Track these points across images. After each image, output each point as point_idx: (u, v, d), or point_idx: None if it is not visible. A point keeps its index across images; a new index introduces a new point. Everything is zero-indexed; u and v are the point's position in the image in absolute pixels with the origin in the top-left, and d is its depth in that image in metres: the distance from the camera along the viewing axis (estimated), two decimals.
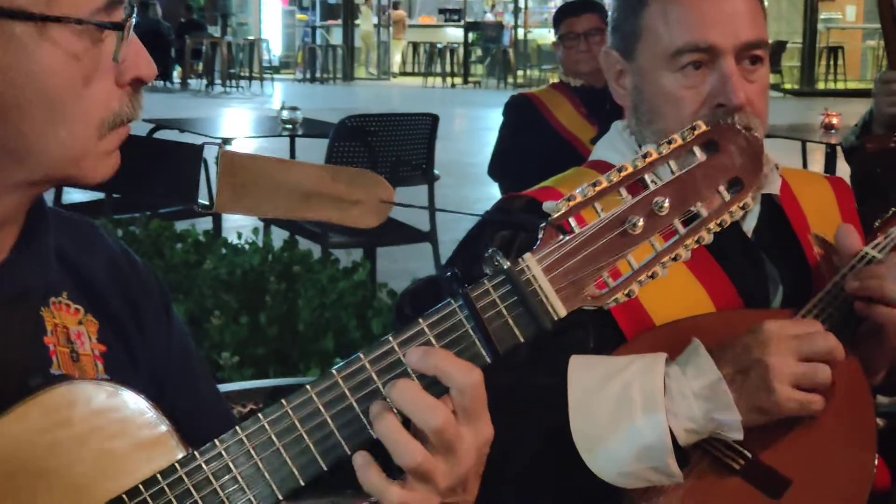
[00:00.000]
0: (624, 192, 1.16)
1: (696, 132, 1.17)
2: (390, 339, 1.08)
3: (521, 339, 1.10)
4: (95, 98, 1.10)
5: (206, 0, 25.51)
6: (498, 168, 4.65)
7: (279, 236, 5.03)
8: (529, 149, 4.29)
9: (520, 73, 23.55)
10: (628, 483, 1.50)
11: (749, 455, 1.54)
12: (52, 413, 1.06)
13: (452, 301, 1.09)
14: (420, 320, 1.08)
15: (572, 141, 4.27)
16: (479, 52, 25.18)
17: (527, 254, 1.11)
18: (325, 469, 1.08)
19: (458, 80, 23.73)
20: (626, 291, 1.16)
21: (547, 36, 23.73)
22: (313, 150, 6.17)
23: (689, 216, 1.18)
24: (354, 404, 1.07)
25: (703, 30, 1.63)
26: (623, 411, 1.48)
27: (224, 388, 1.80)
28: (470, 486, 1.10)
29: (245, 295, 3.96)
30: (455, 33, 25.59)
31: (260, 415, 1.06)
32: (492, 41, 24.48)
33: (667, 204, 1.16)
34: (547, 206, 1.15)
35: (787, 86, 20.80)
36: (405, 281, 1.62)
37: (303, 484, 1.07)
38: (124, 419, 1.08)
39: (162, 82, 19.98)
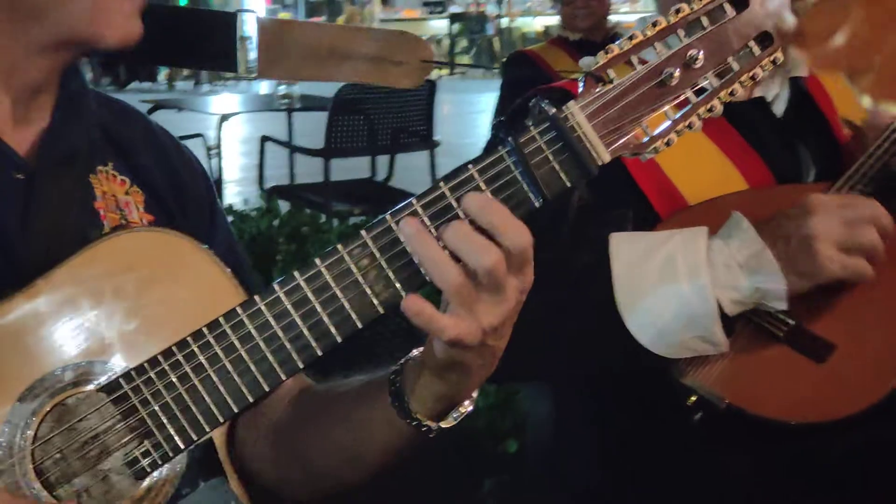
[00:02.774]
0: (659, 46, 1.18)
1: None
2: (441, 184, 1.10)
3: (568, 184, 1.12)
4: None
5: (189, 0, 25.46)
6: None
7: (282, 207, 5.06)
8: None
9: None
10: (674, 353, 1.52)
11: (792, 322, 1.55)
12: (114, 259, 1.08)
13: (500, 147, 1.11)
14: (469, 166, 1.10)
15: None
16: (464, 42, 25.19)
17: (570, 101, 1.14)
18: (381, 312, 1.10)
19: (444, 72, 23.73)
20: (665, 140, 1.19)
21: (532, 24, 23.78)
22: (312, 124, 6.19)
23: (723, 70, 1.21)
24: (408, 248, 1.09)
25: None
26: (668, 281, 1.49)
27: None
28: (506, 330, 1.12)
29: (255, 258, 3.98)
30: (439, 25, 25.60)
31: (317, 259, 1.08)
32: (476, 31, 24.51)
33: (701, 56, 1.18)
34: (584, 60, 1.18)
35: None
36: None
37: (360, 327, 1.09)
38: (185, 265, 1.10)
39: (149, 83, 19.87)
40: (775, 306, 1.51)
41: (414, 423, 1.14)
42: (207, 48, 1.27)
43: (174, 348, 1.07)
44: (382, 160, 6.11)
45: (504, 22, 24.45)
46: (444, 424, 1.16)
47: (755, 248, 1.49)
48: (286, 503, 1.28)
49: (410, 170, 5.94)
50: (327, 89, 6.49)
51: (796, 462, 1.59)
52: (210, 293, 1.10)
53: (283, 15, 27.12)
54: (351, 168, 6.07)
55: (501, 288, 1.07)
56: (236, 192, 8.18)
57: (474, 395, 1.17)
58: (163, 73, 21.25)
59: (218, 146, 6.20)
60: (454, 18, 25.24)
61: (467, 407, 1.17)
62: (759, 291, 1.49)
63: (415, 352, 1.16)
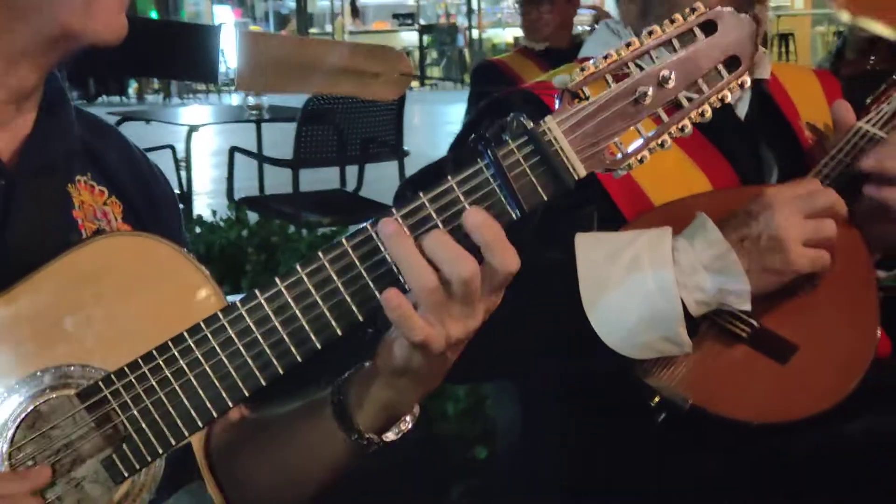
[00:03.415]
0: (632, 66, 1.22)
1: (696, 13, 1.24)
2: (421, 195, 1.12)
3: (545, 198, 1.14)
4: None
5: (159, 13, 25.32)
6: None
7: (252, 218, 5.05)
8: None
9: None
10: (638, 353, 1.54)
11: (756, 323, 1.58)
12: (95, 263, 1.09)
13: (479, 160, 1.13)
14: (449, 178, 1.13)
15: None
16: (434, 54, 25.24)
17: (548, 116, 1.16)
18: (361, 320, 1.11)
19: (414, 84, 23.75)
20: (638, 157, 1.22)
21: (502, 35, 23.91)
22: (281, 135, 6.20)
23: (694, 91, 1.24)
24: (388, 257, 1.10)
25: None
26: (633, 282, 1.51)
27: None
28: (462, 346, 1.13)
29: (224, 269, 3.97)
30: (410, 37, 25.63)
31: (298, 266, 1.10)
32: (447, 43, 24.57)
33: (673, 77, 1.21)
34: (559, 79, 1.21)
35: None
36: None
37: (340, 334, 1.11)
38: (166, 269, 1.11)
39: (118, 97, 19.67)
40: (739, 307, 1.54)
41: (355, 436, 1.16)
42: (189, 59, 1.29)
43: (154, 352, 1.08)
44: (352, 170, 6.12)
45: (474, 33, 24.53)
46: (385, 438, 1.18)
47: (720, 249, 1.52)
48: None
49: (380, 180, 5.96)
50: (296, 100, 6.51)
51: (760, 462, 1.62)
52: (191, 297, 1.11)
53: (254, 27, 27.07)
54: (320, 179, 6.08)
55: (473, 302, 1.09)
56: (206, 203, 8.15)
57: (415, 411, 1.19)
58: (132, 87, 21.10)
59: (187, 158, 6.19)
60: (424, 30, 25.26)
61: (408, 423, 1.19)
62: (722, 292, 1.52)
63: (366, 364, 1.18)
